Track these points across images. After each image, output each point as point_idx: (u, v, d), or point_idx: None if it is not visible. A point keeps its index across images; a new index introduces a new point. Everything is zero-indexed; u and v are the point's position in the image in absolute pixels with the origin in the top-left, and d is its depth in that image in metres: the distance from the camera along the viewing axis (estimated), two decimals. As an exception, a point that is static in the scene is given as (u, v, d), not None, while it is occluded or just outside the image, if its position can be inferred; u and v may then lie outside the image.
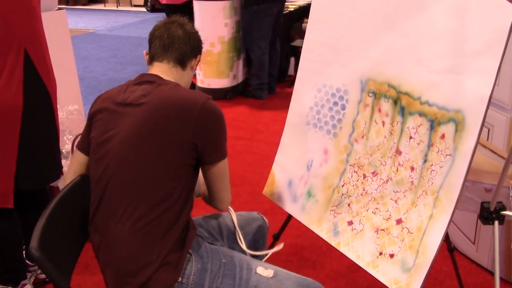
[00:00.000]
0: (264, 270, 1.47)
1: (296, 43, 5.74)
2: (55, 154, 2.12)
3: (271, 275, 1.46)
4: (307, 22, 1.91)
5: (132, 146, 1.38)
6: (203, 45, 1.62)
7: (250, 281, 1.44)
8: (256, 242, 1.78)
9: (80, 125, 3.15)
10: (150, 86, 1.45)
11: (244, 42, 5.23)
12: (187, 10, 5.09)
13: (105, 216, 1.41)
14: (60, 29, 3.02)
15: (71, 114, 3.05)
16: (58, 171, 2.16)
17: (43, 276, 2.32)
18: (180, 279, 1.40)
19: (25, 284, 2.16)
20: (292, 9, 5.84)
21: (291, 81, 5.84)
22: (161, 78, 1.49)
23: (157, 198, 1.36)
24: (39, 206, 2.16)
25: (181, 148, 1.38)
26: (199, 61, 1.62)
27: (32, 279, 2.29)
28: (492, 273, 2.38)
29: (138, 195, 1.37)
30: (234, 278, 1.44)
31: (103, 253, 1.43)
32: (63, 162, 2.69)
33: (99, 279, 2.38)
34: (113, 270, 1.40)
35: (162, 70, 1.54)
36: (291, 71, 6.13)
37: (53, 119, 2.05)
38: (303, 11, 5.93)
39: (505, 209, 1.59)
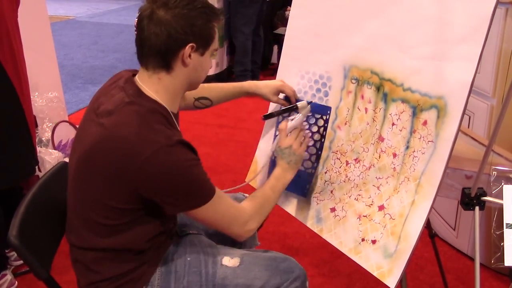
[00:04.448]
0: (230, 260, 1.42)
1: (279, 31, 5.71)
2: (29, 147, 2.00)
3: (237, 264, 1.41)
4: (290, 10, 1.90)
5: (75, 174, 1.31)
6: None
7: (216, 274, 1.39)
8: None
9: (60, 112, 3.10)
10: (121, 101, 1.23)
11: (228, 29, 5.19)
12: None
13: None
14: (38, 15, 2.96)
15: (51, 101, 3.01)
16: (33, 165, 2.06)
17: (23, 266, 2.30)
18: (144, 287, 1.36)
19: (5, 275, 2.13)
20: (276, -3, 5.80)
21: (274, 69, 5.83)
22: (139, 90, 1.25)
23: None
24: (16, 195, 2.12)
25: (121, 197, 1.23)
26: (195, 47, 1.23)
27: (11, 269, 2.26)
28: (472, 259, 2.42)
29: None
30: (200, 274, 1.39)
31: None
32: (43, 150, 2.66)
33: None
34: None
35: (142, 79, 1.28)
36: (274, 59, 6.12)
37: (21, 110, 1.90)
38: (287, -1, 5.91)
39: (485, 195, 1.61)
